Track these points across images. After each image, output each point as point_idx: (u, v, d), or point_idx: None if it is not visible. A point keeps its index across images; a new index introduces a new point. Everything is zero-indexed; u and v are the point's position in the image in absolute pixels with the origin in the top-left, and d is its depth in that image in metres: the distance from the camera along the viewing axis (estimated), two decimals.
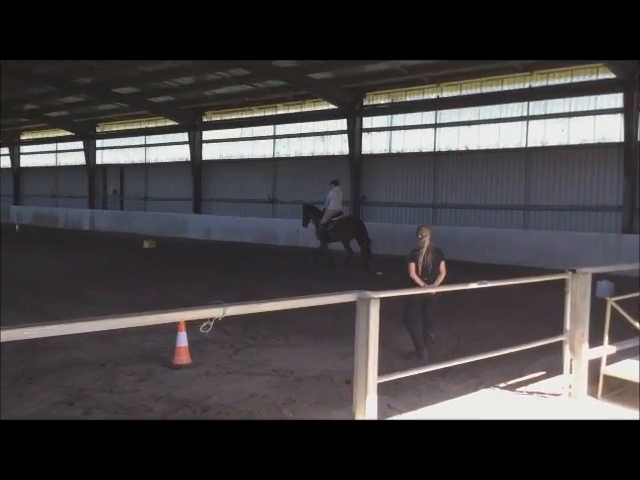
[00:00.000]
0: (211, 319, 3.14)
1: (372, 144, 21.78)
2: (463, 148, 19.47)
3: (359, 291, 3.86)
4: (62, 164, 35.21)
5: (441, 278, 7.10)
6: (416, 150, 20.61)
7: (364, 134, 21.88)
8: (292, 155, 24.23)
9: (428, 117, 20.20)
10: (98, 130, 32.48)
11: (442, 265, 7.15)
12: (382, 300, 3.88)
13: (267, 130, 24.81)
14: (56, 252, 18.39)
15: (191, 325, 7.01)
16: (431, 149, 20.24)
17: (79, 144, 33.08)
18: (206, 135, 27.24)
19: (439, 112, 19.88)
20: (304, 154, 23.77)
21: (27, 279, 12.63)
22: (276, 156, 24.78)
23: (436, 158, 20.17)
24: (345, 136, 22.12)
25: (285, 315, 8.68)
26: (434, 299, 7.08)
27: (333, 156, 22.89)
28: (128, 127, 30.74)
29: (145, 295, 10.95)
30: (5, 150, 38.48)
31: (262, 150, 25.16)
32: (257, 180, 25.12)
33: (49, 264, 15.41)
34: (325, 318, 9.05)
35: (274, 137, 24.79)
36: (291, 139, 24.20)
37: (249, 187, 25.52)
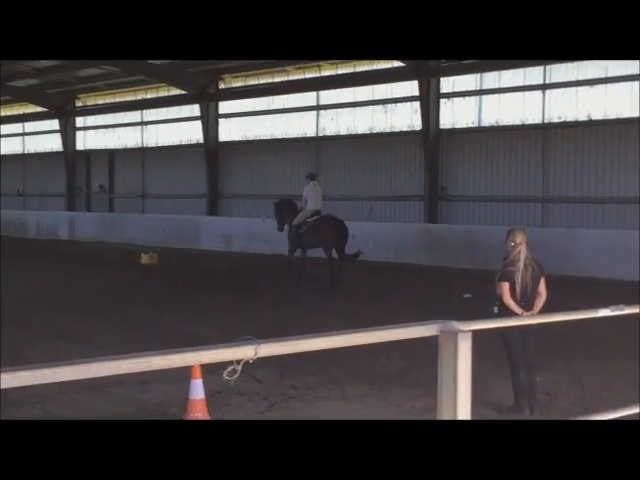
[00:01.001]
0: (238, 361, 3.17)
1: (455, 115, 21.71)
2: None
3: (442, 321, 3.85)
4: (31, 151, 36.17)
5: (541, 301, 7.08)
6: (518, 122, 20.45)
7: (442, 100, 21.84)
8: (342, 132, 24.35)
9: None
10: (78, 104, 33.25)
11: (542, 283, 7.10)
12: (474, 334, 3.86)
13: (307, 99, 25.01)
14: (26, 272, 18.86)
15: (210, 371, 7.11)
16: (539, 120, 20.07)
17: (53, 123, 33.93)
18: (224, 107, 27.60)
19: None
20: (359, 131, 23.88)
21: None
22: (320, 134, 24.95)
23: (545, 132, 19.98)
24: (416, 104, 22.13)
25: (337, 355, 8.70)
26: (534, 329, 7.03)
27: (401, 133, 22.93)
28: (118, 99, 31.43)
29: (144, 329, 11.14)
30: None
31: (301, 126, 25.37)
32: (295, 167, 25.30)
33: (18, 290, 15.80)
34: (391, 359, 9.05)
35: (318, 108, 24.96)
36: (340, 109, 24.33)
37: (283, 178, 25.73)
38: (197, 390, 6.65)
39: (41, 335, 10.59)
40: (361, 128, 23.81)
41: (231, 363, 3.08)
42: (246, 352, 3.13)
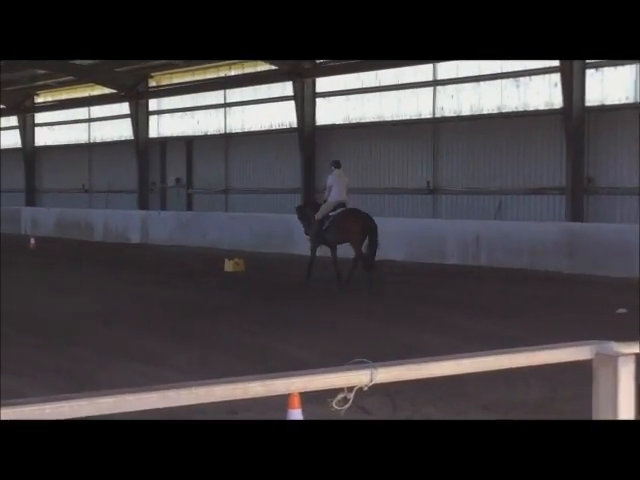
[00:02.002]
0: (350, 388, 3.19)
1: None
2: None
3: (597, 342, 3.77)
4: (97, 139, 37.21)
5: None
6: None
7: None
8: (464, 112, 24.14)
9: None
10: (152, 84, 34.03)
11: None
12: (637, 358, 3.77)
13: (421, 73, 24.90)
14: (92, 282, 19.40)
15: (311, 399, 7.15)
16: None
17: (123, 107, 34.75)
18: (322, 85, 27.76)
19: None
20: (484, 110, 23.65)
21: (49, 325, 13.41)
22: (438, 115, 24.79)
23: None
24: (555, 76, 21.78)
25: (461, 382, 8.62)
26: None
27: (536, 112, 22.59)
28: (198, 77, 32.00)
29: (229, 350, 11.29)
30: (11, 120, 41.26)
31: (415, 106, 25.28)
32: (408, 155, 25.28)
33: (81, 301, 16.27)
34: (528, 387, 8.91)
35: (434, 83, 24.83)
36: (462, 85, 24.14)
37: (393, 167, 25.72)
38: None
39: (111, 356, 10.85)
40: (487, 107, 23.57)
41: (342, 391, 3.10)
42: (360, 378, 3.14)
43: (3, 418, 2.66)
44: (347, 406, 3.13)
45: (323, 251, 19.30)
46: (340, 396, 3.13)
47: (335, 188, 18.38)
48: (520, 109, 22.82)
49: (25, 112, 40.30)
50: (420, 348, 11.02)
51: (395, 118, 25.82)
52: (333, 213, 18.21)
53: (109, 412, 2.73)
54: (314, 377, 3.12)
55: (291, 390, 3.38)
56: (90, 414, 2.69)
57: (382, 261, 20.37)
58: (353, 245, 17.95)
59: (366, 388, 3.13)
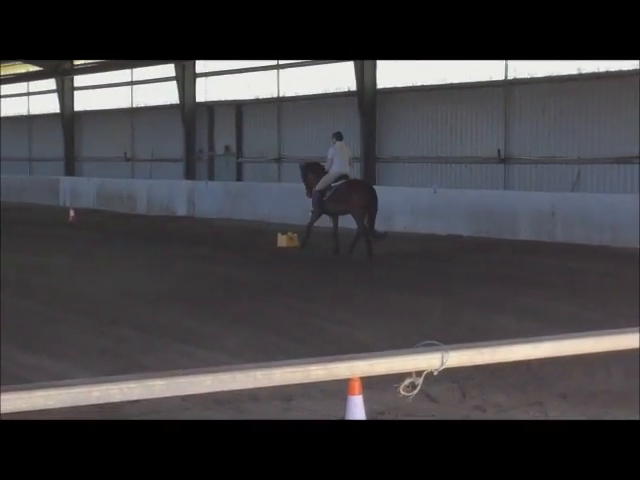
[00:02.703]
0: (419, 373, 3.20)
1: None
2: None
3: None
4: (141, 104, 37.43)
5: None
6: None
7: None
8: (539, 74, 23.87)
9: None
10: None
11: None
12: None
13: None
14: (135, 259, 19.59)
15: (369, 385, 7.18)
16: None
17: (168, 69, 34.88)
18: None
19: None
20: (562, 72, 23.37)
21: (91, 303, 13.60)
22: (510, 77, 24.51)
23: None
24: None
25: (536, 369, 8.59)
26: None
27: (618, 74, 22.29)
28: None
29: (284, 331, 11.36)
30: (49, 84, 41.68)
31: (484, 68, 25.04)
32: (477, 121, 25.09)
33: (125, 278, 16.47)
34: (609, 375, 8.85)
35: None
36: None
37: (461, 135, 25.55)
38: (356, 410, 6.70)
39: (158, 337, 10.99)
40: (565, 69, 23.27)
41: (410, 375, 3.10)
42: (430, 361, 3.15)
43: (53, 400, 2.74)
44: (415, 392, 3.14)
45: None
46: (408, 381, 3.15)
47: (337, 160, 19.72)
48: (602, 70, 22.51)
49: (63, 75, 40.65)
50: (490, 330, 10.98)
51: (463, 81, 25.62)
52: (335, 184, 19.55)
53: (160, 395, 2.77)
54: (379, 360, 3.14)
55: (354, 374, 3.40)
56: (141, 397, 2.74)
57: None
58: (355, 217, 19.18)
59: (436, 373, 3.15)
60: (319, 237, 23.16)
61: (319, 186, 19.75)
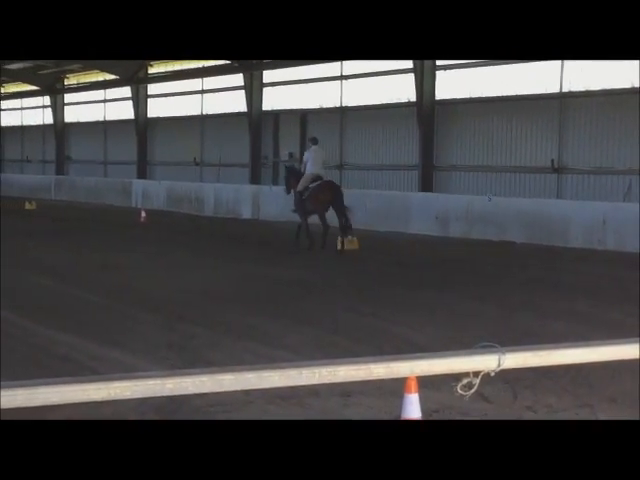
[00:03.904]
0: (476, 373, 3.20)
1: None
2: None
3: None
4: (210, 112, 37.72)
5: None
6: None
7: None
8: (594, 87, 23.62)
9: None
10: None
11: None
12: None
13: None
14: (202, 258, 19.77)
15: (427, 383, 7.16)
16: None
17: (236, 78, 35.12)
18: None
19: None
20: (617, 85, 23.13)
21: (160, 300, 13.74)
22: (565, 90, 24.32)
23: None
24: None
25: (587, 372, 8.52)
26: None
27: None
28: None
29: (343, 331, 11.39)
30: (125, 91, 42.19)
31: (540, 81, 24.84)
32: (531, 133, 24.93)
33: (193, 277, 16.61)
34: None
35: None
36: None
37: (516, 146, 25.39)
38: (412, 407, 6.72)
39: (222, 334, 11.07)
40: (619, 82, 23.02)
41: (467, 375, 3.11)
42: (487, 362, 3.16)
43: (130, 391, 2.79)
44: (472, 391, 3.14)
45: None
46: (465, 381, 3.15)
47: (310, 162, 21.16)
48: None
49: (138, 83, 41.11)
50: (541, 334, 10.94)
51: (519, 93, 25.46)
52: (312, 185, 20.90)
53: (230, 389, 2.82)
54: (438, 360, 3.14)
55: (415, 373, 3.41)
56: (212, 390, 2.78)
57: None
58: (318, 214, 20.83)
59: (493, 374, 3.15)
60: (375, 240, 23.21)
61: (299, 187, 21.17)
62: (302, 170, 21.60)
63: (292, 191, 21.88)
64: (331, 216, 21.14)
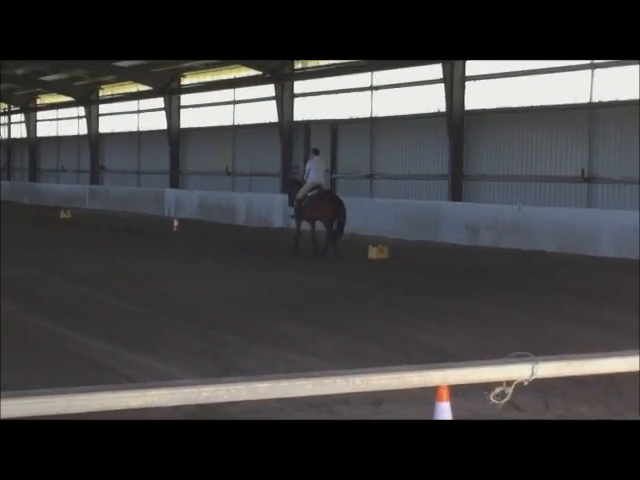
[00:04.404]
0: (509, 382, 3.18)
1: None
2: None
3: None
4: (241, 122, 37.83)
5: None
6: None
7: None
8: (622, 97, 23.48)
9: None
10: (297, 66, 34.42)
11: None
12: None
13: None
14: (234, 266, 19.82)
15: (459, 392, 7.13)
16: None
17: (268, 89, 35.20)
18: (470, 68, 27.44)
19: None
20: None
21: (192, 308, 13.78)
22: (595, 100, 24.16)
23: None
24: None
25: (619, 381, 8.44)
26: None
27: None
28: (344, 59, 32.05)
29: (373, 338, 11.37)
30: (158, 102, 42.41)
31: (570, 91, 24.69)
32: (561, 143, 24.80)
33: (225, 285, 16.65)
34: None
35: (592, 66, 24.23)
36: (625, 67, 23.47)
37: (545, 155, 25.27)
38: (444, 416, 6.66)
39: (254, 341, 11.08)
40: None
41: (500, 384, 3.09)
42: (520, 371, 3.14)
43: (166, 399, 2.81)
44: (505, 400, 3.13)
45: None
46: (498, 390, 3.13)
47: (312, 172, 21.83)
48: None
49: (171, 94, 41.31)
50: (571, 343, 10.88)
51: (549, 103, 25.34)
52: (311, 193, 21.62)
53: (264, 397, 2.82)
54: (471, 369, 3.13)
55: (448, 382, 3.39)
56: (247, 398, 2.78)
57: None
58: (323, 222, 21.46)
59: (527, 383, 3.13)
60: (405, 249, 23.18)
61: (299, 195, 21.94)
62: (305, 179, 22.26)
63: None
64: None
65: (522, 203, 25.08)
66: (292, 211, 23.07)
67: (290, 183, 23.85)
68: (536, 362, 3.13)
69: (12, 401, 2.89)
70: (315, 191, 21.73)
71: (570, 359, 3.32)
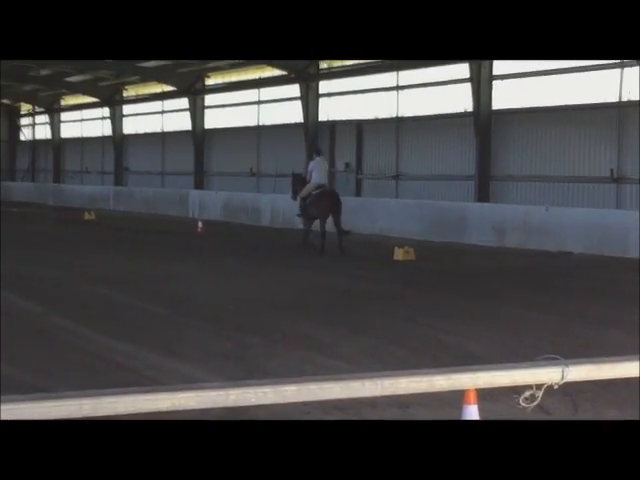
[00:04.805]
0: (539, 386, 3.16)
1: None
2: None
3: None
4: (266, 122, 37.85)
5: None
6: None
7: None
8: None
9: None
10: (323, 66, 34.36)
11: None
12: None
13: None
14: (258, 267, 19.83)
15: (486, 394, 7.09)
16: None
17: (293, 89, 35.18)
18: (499, 67, 27.33)
19: None
20: None
21: (217, 309, 13.80)
22: (624, 99, 24.00)
23: None
24: None
25: None
26: None
27: None
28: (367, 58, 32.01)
29: (399, 341, 11.35)
30: (182, 103, 42.50)
31: (599, 90, 24.54)
32: (589, 143, 24.66)
33: (249, 287, 16.66)
34: None
35: (621, 65, 24.08)
36: None
37: (574, 156, 25.16)
38: (471, 419, 6.65)
39: (279, 343, 11.07)
40: None
41: (530, 387, 3.08)
42: (550, 375, 3.12)
43: (194, 401, 2.82)
44: (535, 404, 3.11)
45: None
46: (528, 393, 3.11)
47: (315, 172, 22.65)
48: None
49: (195, 94, 41.42)
50: (600, 345, 10.80)
51: (577, 102, 25.21)
52: (315, 192, 22.43)
53: (292, 400, 2.82)
54: (500, 372, 3.11)
55: (477, 385, 3.38)
56: (274, 402, 2.78)
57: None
58: (320, 219, 22.28)
59: (557, 387, 3.10)
60: (431, 251, 23.13)
61: (302, 194, 22.85)
62: (307, 178, 22.95)
63: (297, 197, 23.58)
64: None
65: (550, 204, 24.98)
66: (296, 206, 24.04)
67: (293, 177, 24.70)
68: (566, 365, 3.11)
69: (40, 403, 2.90)
70: (318, 190, 22.52)
71: (600, 362, 3.29)
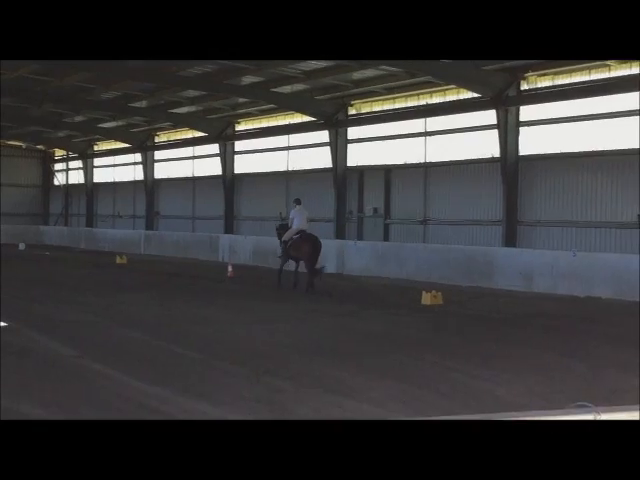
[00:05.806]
0: None
1: None
2: None
3: None
4: (295, 167, 38.08)
5: None
6: None
7: None
8: None
9: None
10: (351, 112, 34.59)
11: None
12: None
13: (631, 98, 24.21)
14: (288, 311, 19.88)
15: None
16: None
17: (321, 135, 35.43)
18: (526, 113, 27.39)
19: None
20: None
21: (246, 353, 13.82)
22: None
23: None
24: None
25: None
26: None
27: None
28: (398, 105, 32.26)
29: (429, 385, 11.32)
30: (213, 148, 42.88)
31: (627, 136, 24.53)
32: (617, 188, 24.62)
33: (278, 331, 16.68)
34: None
35: None
36: None
37: (602, 201, 25.11)
38: None
39: (309, 387, 11.06)
40: None
41: None
42: None
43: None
44: None
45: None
46: None
47: (297, 220, 25.10)
48: None
49: (225, 140, 41.77)
50: (630, 391, 10.70)
51: (602, 148, 25.21)
52: (295, 236, 24.67)
53: None
54: (532, 420, 3.11)
55: None
56: None
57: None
58: (304, 261, 24.35)
59: None
60: (459, 295, 23.07)
61: (285, 237, 25.05)
62: (290, 225, 25.24)
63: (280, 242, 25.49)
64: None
65: (577, 249, 24.89)
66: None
67: (280, 227, 26.57)
68: (598, 413, 3.10)
69: None
70: (298, 235, 24.63)
71: (632, 410, 3.28)
